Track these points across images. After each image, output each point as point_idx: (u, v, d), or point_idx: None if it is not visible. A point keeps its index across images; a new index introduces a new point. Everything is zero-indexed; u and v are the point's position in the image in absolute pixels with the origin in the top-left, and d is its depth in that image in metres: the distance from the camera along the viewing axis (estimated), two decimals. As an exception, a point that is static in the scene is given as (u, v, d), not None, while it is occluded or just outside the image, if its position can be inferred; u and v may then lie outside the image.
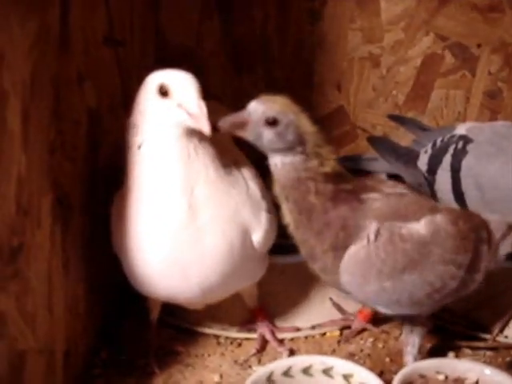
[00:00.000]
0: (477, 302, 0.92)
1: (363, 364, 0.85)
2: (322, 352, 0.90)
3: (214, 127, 0.73)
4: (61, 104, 0.74)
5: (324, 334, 0.93)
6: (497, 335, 0.91)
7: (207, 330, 0.93)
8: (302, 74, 1.11)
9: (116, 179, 0.83)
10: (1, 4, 0.60)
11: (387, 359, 0.89)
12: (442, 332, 0.91)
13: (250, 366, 0.88)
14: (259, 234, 0.82)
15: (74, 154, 0.79)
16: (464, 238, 0.76)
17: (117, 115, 0.89)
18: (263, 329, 0.92)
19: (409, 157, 0.96)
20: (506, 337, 0.91)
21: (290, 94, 0.73)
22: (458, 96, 1.10)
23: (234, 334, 0.93)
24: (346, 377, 0.75)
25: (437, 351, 0.88)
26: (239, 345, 0.92)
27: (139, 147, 0.78)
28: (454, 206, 0.90)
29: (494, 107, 1.10)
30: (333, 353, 0.90)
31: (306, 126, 0.72)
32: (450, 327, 0.92)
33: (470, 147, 0.91)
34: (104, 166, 0.88)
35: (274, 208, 0.81)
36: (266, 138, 0.72)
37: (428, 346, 0.88)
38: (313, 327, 0.94)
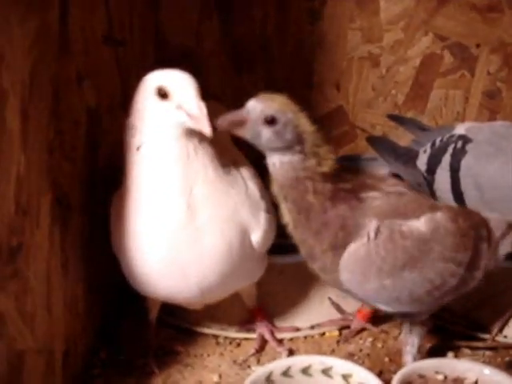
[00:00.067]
0: (476, 301, 0.92)
1: (362, 364, 0.85)
2: (321, 352, 0.90)
3: (214, 127, 0.73)
4: (60, 104, 0.74)
5: (323, 333, 0.93)
6: (496, 335, 0.91)
7: (206, 330, 0.93)
8: (301, 74, 1.11)
9: (115, 179, 0.83)
10: (0, 4, 0.60)
11: (386, 359, 0.89)
12: (442, 332, 0.91)
13: (249, 366, 0.88)
14: (258, 233, 0.82)
15: (73, 154, 0.79)
16: (464, 235, 0.76)
17: (116, 115, 0.89)
18: (262, 329, 0.92)
19: (408, 157, 0.96)
20: (506, 337, 0.91)
21: (290, 94, 0.73)
22: (457, 96, 1.10)
23: (233, 333, 0.93)
24: (345, 377, 0.75)
25: (436, 351, 0.88)
26: (238, 345, 0.92)
27: (138, 148, 0.78)
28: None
29: (493, 107, 1.10)
30: (332, 353, 0.90)
31: (305, 125, 0.72)
32: (450, 327, 0.92)
33: (469, 147, 0.91)
34: (103, 166, 0.88)
35: (273, 208, 0.81)
36: (265, 136, 0.71)
37: (427, 345, 0.88)
38: (312, 327, 0.94)
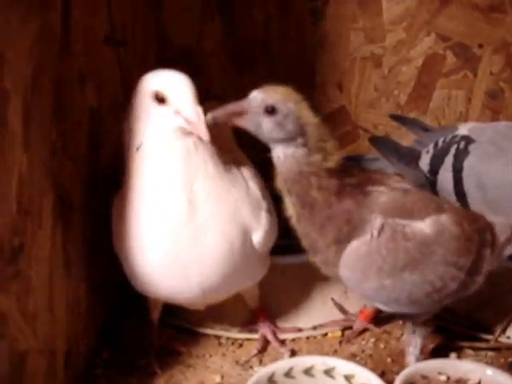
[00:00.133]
0: (479, 302, 0.92)
1: (365, 364, 0.85)
2: (323, 352, 0.90)
3: (214, 128, 0.73)
4: (62, 104, 0.74)
5: (325, 334, 0.93)
6: (499, 336, 0.91)
7: (208, 331, 0.93)
8: (303, 74, 1.11)
9: (117, 179, 0.83)
10: (2, 4, 0.60)
11: (389, 360, 0.88)
12: (444, 332, 0.90)
13: (251, 367, 0.88)
14: (259, 234, 0.82)
15: (75, 154, 0.79)
16: (468, 239, 0.76)
17: (118, 115, 0.89)
18: (264, 329, 0.92)
19: (410, 157, 0.96)
20: (509, 337, 0.91)
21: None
22: (460, 96, 1.10)
23: (235, 334, 0.93)
24: (348, 377, 0.75)
25: (439, 352, 0.88)
26: (240, 345, 0.92)
27: (138, 148, 0.78)
28: (456, 206, 0.90)
29: (496, 107, 1.10)
30: (334, 353, 0.90)
31: (307, 116, 0.71)
32: (452, 328, 0.91)
33: (471, 147, 0.91)
34: (105, 166, 0.88)
35: (275, 205, 0.81)
36: (266, 126, 0.71)
37: (430, 346, 0.88)
38: (314, 328, 0.94)
